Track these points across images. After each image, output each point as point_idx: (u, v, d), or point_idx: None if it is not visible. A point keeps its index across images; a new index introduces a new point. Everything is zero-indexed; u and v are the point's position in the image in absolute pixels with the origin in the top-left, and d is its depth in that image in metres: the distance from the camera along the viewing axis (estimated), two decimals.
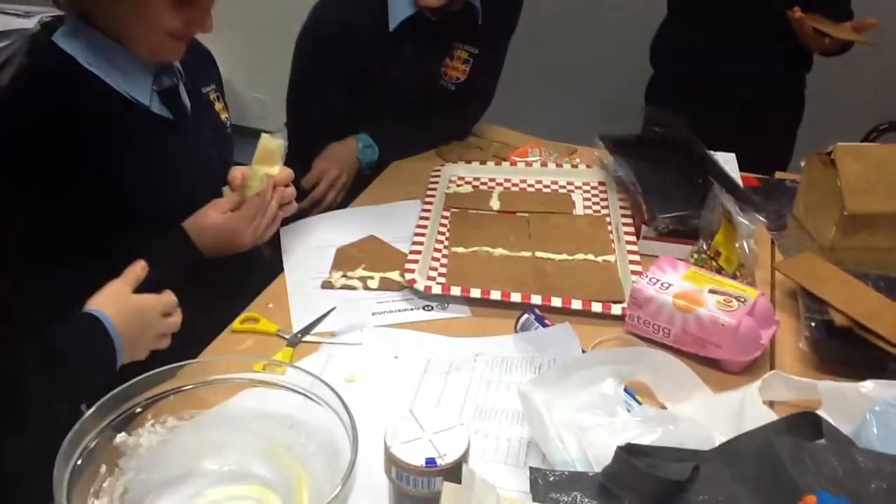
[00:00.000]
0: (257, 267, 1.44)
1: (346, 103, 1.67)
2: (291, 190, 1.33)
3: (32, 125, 1.12)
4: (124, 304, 1.03)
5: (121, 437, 0.87)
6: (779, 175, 1.74)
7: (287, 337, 1.18)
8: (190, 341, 1.16)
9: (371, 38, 1.61)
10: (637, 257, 1.35)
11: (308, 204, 1.62)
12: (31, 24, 3.49)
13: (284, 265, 1.38)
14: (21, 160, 1.13)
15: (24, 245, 1.16)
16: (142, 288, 1.13)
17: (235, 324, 1.22)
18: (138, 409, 0.89)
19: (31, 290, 1.15)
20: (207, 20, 1.19)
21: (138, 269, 1.06)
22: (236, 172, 1.28)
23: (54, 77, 1.16)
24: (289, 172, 1.31)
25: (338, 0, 1.65)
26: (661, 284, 1.16)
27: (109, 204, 1.17)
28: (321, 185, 1.64)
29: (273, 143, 1.27)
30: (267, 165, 1.27)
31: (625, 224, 1.45)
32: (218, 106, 1.39)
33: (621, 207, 1.51)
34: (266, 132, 1.30)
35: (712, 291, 1.14)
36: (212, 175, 1.33)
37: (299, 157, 1.65)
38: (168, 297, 1.09)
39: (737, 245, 1.28)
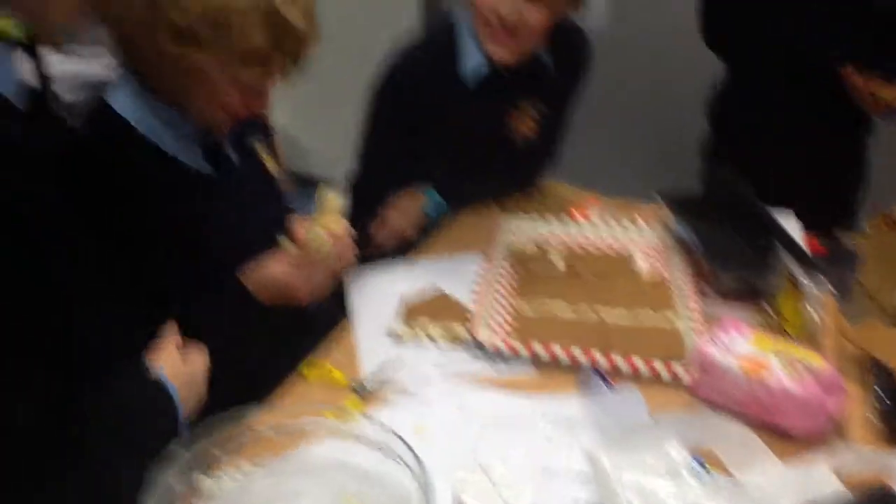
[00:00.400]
0: (319, 314, 1.47)
1: (416, 154, 1.72)
2: (350, 244, 1.34)
3: (86, 182, 1.15)
4: (181, 366, 1.06)
5: (200, 479, 0.90)
6: (842, 235, 1.73)
7: (355, 386, 1.21)
8: (257, 385, 1.19)
9: (443, 90, 1.66)
10: (700, 318, 1.35)
11: (373, 254, 1.66)
12: (100, 68, 3.65)
13: (351, 314, 1.41)
14: (74, 213, 1.16)
15: (78, 293, 1.20)
16: (201, 335, 1.17)
17: (304, 370, 1.25)
18: (215, 452, 0.93)
19: (90, 336, 1.19)
20: (266, 103, 1.23)
21: (176, 329, 1.10)
22: (298, 227, 1.32)
23: (105, 137, 1.20)
24: (347, 226, 1.33)
25: (413, 53, 1.70)
26: (726, 347, 1.17)
27: (160, 256, 1.20)
28: (386, 236, 1.68)
29: (334, 199, 1.30)
30: (328, 220, 1.30)
31: (687, 284, 1.46)
32: (265, 157, 1.41)
33: (683, 267, 1.52)
34: (327, 184, 1.33)
35: (778, 356, 1.14)
36: (262, 225, 1.34)
37: (367, 205, 1.70)
38: (206, 354, 1.11)
39: (801, 309, 1.28)
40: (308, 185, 1.52)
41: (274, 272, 1.25)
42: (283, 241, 1.29)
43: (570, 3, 1.60)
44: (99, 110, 1.20)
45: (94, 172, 1.16)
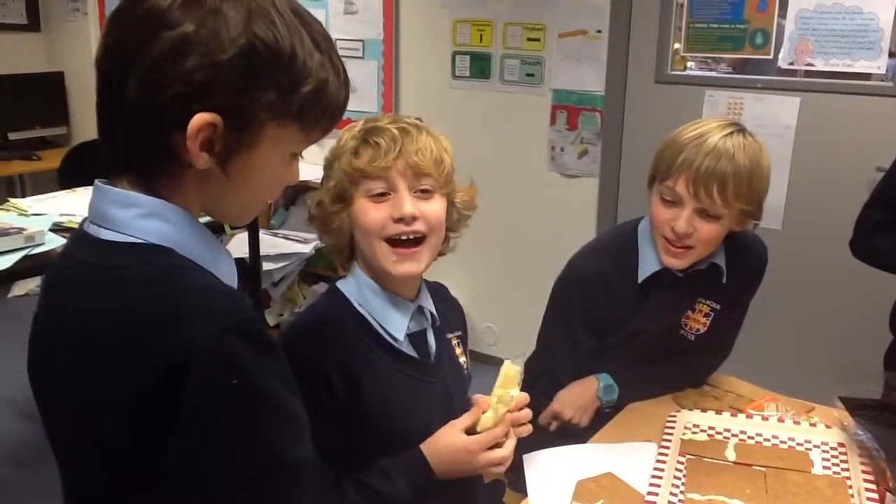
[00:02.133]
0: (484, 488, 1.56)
1: (592, 343, 1.84)
2: (527, 412, 1.44)
3: (311, 347, 1.35)
4: None
5: None
6: None
7: None
8: None
9: (621, 288, 1.79)
10: None
11: (547, 438, 1.76)
12: (307, 249, 4.06)
13: (528, 491, 1.49)
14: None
15: None
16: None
17: None
18: None
19: None
20: (401, 207, 1.34)
21: None
22: (482, 400, 1.42)
23: (332, 313, 1.41)
24: (525, 396, 1.44)
25: (593, 255, 1.87)
26: None
27: (353, 422, 1.35)
28: (554, 425, 1.79)
29: (513, 371, 1.41)
30: (506, 390, 1.40)
31: (867, 490, 1.44)
32: (458, 351, 1.55)
33: (863, 472, 1.50)
34: (508, 359, 1.45)
35: None
36: (447, 413, 1.44)
37: (544, 384, 1.82)
38: None
39: None
40: (480, 362, 1.65)
41: (451, 440, 1.37)
42: (481, 421, 1.40)
43: (742, 220, 1.73)
44: (332, 291, 1.44)
45: (313, 337, 1.37)
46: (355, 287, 1.42)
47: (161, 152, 0.89)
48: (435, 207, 1.37)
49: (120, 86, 0.87)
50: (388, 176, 1.33)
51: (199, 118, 0.86)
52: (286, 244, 4.01)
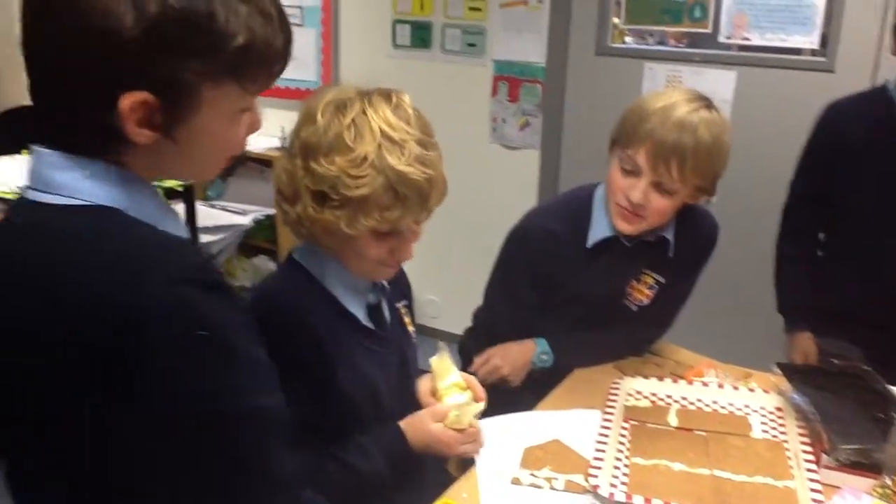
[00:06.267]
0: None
1: (536, 299, 1.85)
2: (481, 392, 1.50)
3: (286, 323, 1.32)
4: None
5: None
6: None
7: None
8: None
9: (569, 249, 1.80)
10: (818, 486, 1.38)
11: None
12: (246, 220, 3.98)
13: (476, 459, 1.49)
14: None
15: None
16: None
17: None
18: None
19: None
20: (407, 251, 1.37)
21: None
22: (424, 387, 1.48)
23: (300, 288, 1.38)
24: (472, 379, 1.50)
25: (546, 213, 1.88)
26: None
27: (325, 395, 1.34)
28: (483, 369, 1.80)
29: (444, 362, 1.47)
30: (447, 378, 1.46)
31: (804, 451, 1.48)
32: (406, 320, 1.57)
33: (800, 434, 1.55)
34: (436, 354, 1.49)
35: None
36: (399, 378, 1.49)
37: (487, 343, 1.84)
38: None
39: None
40: (423, 334, 1.67)
41: (434, 431, 1.40)
42: (449, 419, 1.41)
43: (696, 195, 1.74)
44: (293, 264, 1.41)
45: (277, 309, 1.34)
46: (314, 261, 1.39)
47: (104, 136, 0.87)
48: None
49: (50, 79, 0.86)
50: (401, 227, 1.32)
51: (127, 100, 0.84)
52: (224, 216, 3.92)
